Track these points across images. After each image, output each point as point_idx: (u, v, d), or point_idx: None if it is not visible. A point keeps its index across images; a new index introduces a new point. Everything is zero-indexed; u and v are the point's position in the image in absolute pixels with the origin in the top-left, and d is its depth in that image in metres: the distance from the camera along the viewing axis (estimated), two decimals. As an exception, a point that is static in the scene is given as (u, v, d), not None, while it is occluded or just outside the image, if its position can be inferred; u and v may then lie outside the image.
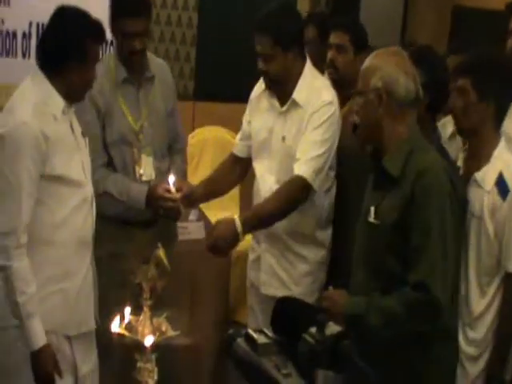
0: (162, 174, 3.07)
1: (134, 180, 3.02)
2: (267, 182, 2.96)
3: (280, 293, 2.95)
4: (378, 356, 2.10)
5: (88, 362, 2.64)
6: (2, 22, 4.22)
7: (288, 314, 1.46)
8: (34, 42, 4.22)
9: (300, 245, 2.97)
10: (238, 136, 3.16)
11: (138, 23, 2.94)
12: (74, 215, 2.53)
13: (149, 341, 1.91)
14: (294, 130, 2.90)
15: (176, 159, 3.21)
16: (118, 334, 1.94)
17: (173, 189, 2.88)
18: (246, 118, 3.11)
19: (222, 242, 2.77)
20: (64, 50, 2.46)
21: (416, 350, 2.20)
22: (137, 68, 3.06)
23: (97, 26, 2.51)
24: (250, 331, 1.43)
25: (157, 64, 3.17)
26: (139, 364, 1.91)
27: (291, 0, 3.74)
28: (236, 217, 2.78)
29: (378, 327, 2.15)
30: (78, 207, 2.54)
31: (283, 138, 2.92)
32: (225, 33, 5.37)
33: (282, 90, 2.93)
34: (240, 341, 1.44)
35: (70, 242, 2.53)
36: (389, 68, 2.24)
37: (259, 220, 2.84)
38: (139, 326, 1.96)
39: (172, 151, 3.22)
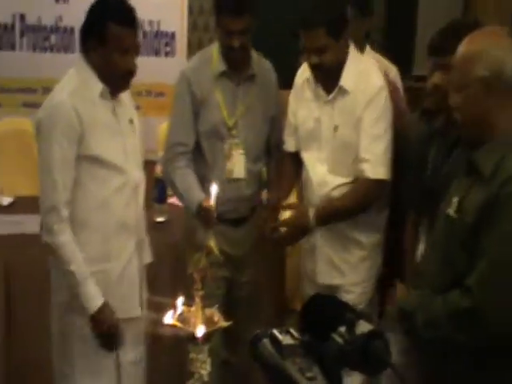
0: (253, 177, 3.05)
1: (223, 175, 2.94)
2: (319, 172, 2.92)
3: (337, 281, 2.94)
4: (429, 357, 2.04)
5: (132, 351, 2.68)
6: (61, 18, 4.30)
7: (318, 312, 1.40)
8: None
9: (356, 230, 2.92)
10: (286, 131, 3.08)
11: (239, 22, 2.87)
12: (114, 198, 2.58)
13: (200, 331, 1.92)
14: (345, 119, 2.84)
15: (274, 167, 3.19)
16: (171, 326, 1.96)
17: (212, 201, 2.43)
18: (291, 111, 3.03)
19: (294, 231, 2.81)
20: (86, 29, 2.54)
21: (468, 357, 2.02)
22: (236, 64, 3.00)
23: (125, 12, 2.52)
24: (275, 332, 1.38)
25: (262, 66, 3.11)
26: (191, 355, 1.91)
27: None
28: (310, 209, 2.80)
29: (419, 327, 2.05)
30: (119, 190, 2.58)
31: (335, 128, 2.85)
32: (273, 21, 5.32)
33: (328, 78, 2.86)
34: (265, 341, 1.38)
35: (109, 224, 2.58)
36: (493, 51, 1.97)
37: (333, 216, 2.84)
38: (191, 317, 1.97)
39: (273, 158, 3.20)
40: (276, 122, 3.14)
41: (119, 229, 2.61)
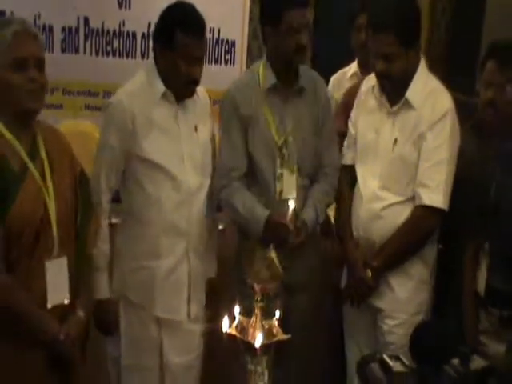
0: (305, 192, 2.93)
1: (273, 196, 2.87)
2: (370, 186, 2.84)
3: (377, 303, 2.89)
4: None
5: (180, 356, 2.74)
6: (123, 23, 4.35)
7: (428, 341, 1.36)
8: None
9: (406, 261, 2.84)
10: (345, 143, 3.03)
11: (307, 14, 2.76)
12: (165, 199, 2.67)
13: (259, 343, 1.90)
14: (406, 134, 2.77)
15: (315, 190, 2.98)
16: (229, 335, 1.95)
17: (289, 216, 2.69)
18: (351, 122, 2.98)
19: (359, 293, 2.83)
20: (156, 33, 2.67)
21: None
22: (296, 65, 2.85)
23: (194, 21, 2.62)
24: (386, 357, 1.36)
25: (310, 77, 2.96)
26: (249, 366, 1.91)
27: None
28: (368, 270, 2.79)
29: None
30: (171, 193, 2.67)
31: (395, 141, 2.78)
32: (340, 29, 5.29)
33: (394, 89, 2.80)
34: (374, 366, 1.38)
35: (159, 223, 2.68)
36: None
37: (391, 262, 2.80)
38: (250, 328, 1.96)
39: (317, 176, 3.00)
40: (329, 135, 2.97)
41: (169, 230, 2.68)
